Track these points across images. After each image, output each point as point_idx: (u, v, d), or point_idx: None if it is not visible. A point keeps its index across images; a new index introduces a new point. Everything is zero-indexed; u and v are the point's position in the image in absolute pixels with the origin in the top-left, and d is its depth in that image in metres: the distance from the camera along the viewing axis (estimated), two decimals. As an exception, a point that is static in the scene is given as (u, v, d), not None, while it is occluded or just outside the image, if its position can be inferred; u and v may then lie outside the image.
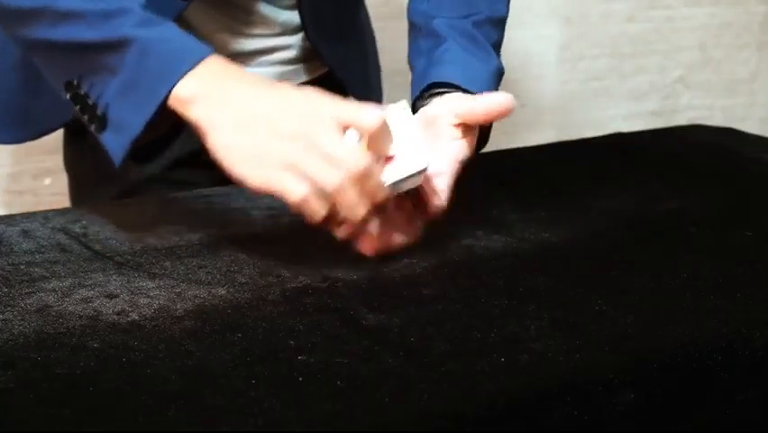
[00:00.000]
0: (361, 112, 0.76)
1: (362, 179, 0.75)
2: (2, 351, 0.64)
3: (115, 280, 0.76)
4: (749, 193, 1.00)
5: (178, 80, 0.78)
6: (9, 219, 0.89)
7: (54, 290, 0.74)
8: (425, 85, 0.91)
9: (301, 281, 0.76)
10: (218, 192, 0.97)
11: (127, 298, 0.73)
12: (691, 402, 0.68)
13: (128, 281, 0.76)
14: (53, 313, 0.70)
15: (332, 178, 0.74)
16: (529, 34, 1.89)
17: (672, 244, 0.85)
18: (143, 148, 1.06)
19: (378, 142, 0.77)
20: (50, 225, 0.87)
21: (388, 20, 1.49)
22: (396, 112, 0.81)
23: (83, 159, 1.13)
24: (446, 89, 0.89)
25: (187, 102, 0.78)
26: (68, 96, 0.83)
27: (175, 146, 1.09)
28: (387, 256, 0.80)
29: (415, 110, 0.90)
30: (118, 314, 0.70)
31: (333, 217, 0.76)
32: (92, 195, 1.09)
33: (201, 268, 0.78)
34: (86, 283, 0.75)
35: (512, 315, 0.71)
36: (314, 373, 0.62)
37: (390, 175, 0.79)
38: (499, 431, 0.60)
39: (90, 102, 0.82)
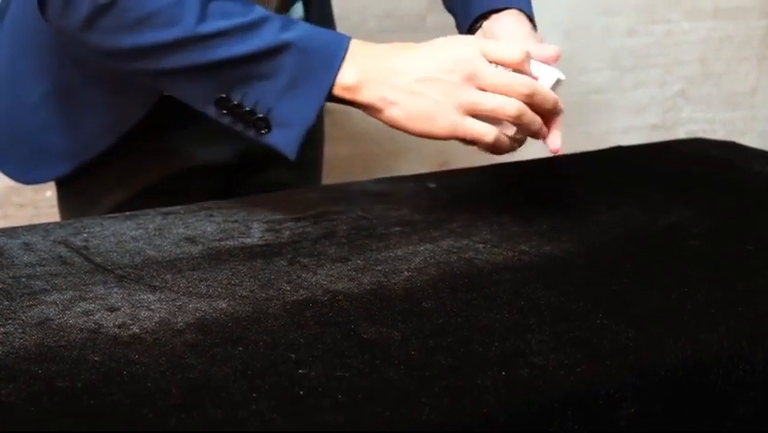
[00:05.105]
0: (506, 48, 0.87)
1: (532, 96, 0.86)
2: (3, 364, 0.64)
3: (116, 292, 0.76)
4: (750, 207, 1.00)
5: (339, 69, 0.86)
6: (10, 232, 0.89)
7: (55, 303, 0.74)
8: (474, 17, 0.99)
9: (302, 295, 0.76)
10: (218, 204, 0.97)
11: (128, 311, 0.73)
12: (693, 416, 0.68)
13: (129, 294, 0.76)
14: (54, 326, 0.70)
15: (511, 105, 0.85)
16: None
17: (673, 258, 0.85)
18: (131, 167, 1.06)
19: (523, 71, 0.88)
20: (51, 238, 0.87)
21: (392, 33, 1.50)
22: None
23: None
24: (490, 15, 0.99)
25: (354, 88, 0.87)
26: (218, 112, 0.89)
27: (173, 161, 1.09)
28: (389, 269, 0.80)
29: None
30: (119, 327, 0.70)
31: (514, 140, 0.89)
32: (87, 209, 1.09)
33: (202, 281, 0.78)
34: (86, 296, 0.75)
35: (513, 328, 0.71)
36: (314, 386, 0.62)
37: None
38: (500, 445, 0.60)
39: (246, 109, 0.88)
